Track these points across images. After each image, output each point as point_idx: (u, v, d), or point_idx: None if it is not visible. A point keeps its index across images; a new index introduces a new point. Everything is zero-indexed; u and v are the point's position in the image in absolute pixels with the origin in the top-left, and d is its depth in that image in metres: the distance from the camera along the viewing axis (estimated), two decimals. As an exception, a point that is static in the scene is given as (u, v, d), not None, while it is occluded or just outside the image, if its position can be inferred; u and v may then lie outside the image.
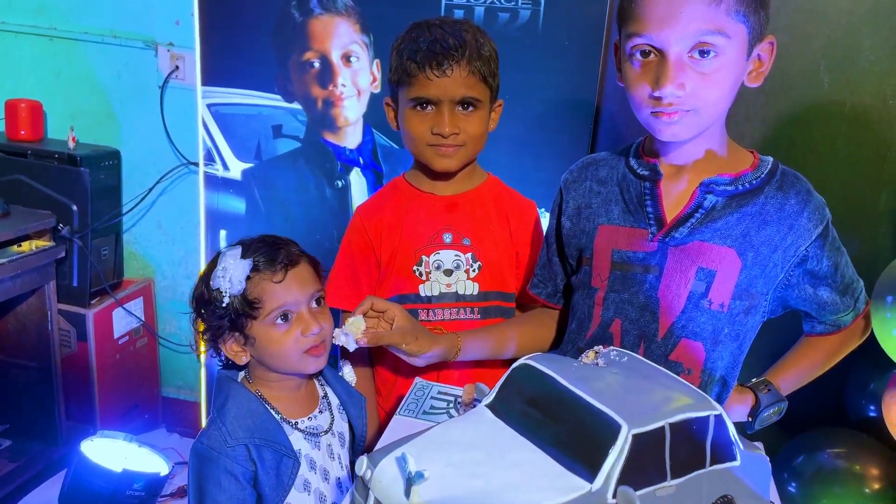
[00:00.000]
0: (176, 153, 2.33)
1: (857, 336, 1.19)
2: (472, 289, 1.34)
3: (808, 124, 1.75)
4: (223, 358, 1.15)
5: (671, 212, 1.05)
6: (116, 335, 2.36)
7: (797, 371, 1.18)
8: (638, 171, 1.09)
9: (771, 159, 1.06)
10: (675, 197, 1.05)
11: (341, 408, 1.19)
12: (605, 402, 0.73)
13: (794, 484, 1.70)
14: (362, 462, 0.76)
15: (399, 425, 0.97)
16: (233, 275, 1.07)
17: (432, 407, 1.03)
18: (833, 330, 1.15)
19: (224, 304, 1.08)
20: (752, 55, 0.99)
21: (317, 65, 1.96)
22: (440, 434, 0.78)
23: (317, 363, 1.12)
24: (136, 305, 2.44)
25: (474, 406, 1.03)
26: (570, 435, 0.73)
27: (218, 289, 1.08)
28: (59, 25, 2.34)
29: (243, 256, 1.09)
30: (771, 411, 1.14)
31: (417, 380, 1.09)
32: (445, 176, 1.33)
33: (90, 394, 2.32)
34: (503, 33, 1.81)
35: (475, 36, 1.26)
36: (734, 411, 1.11)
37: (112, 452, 1.95)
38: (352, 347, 1.12)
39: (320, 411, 1.17)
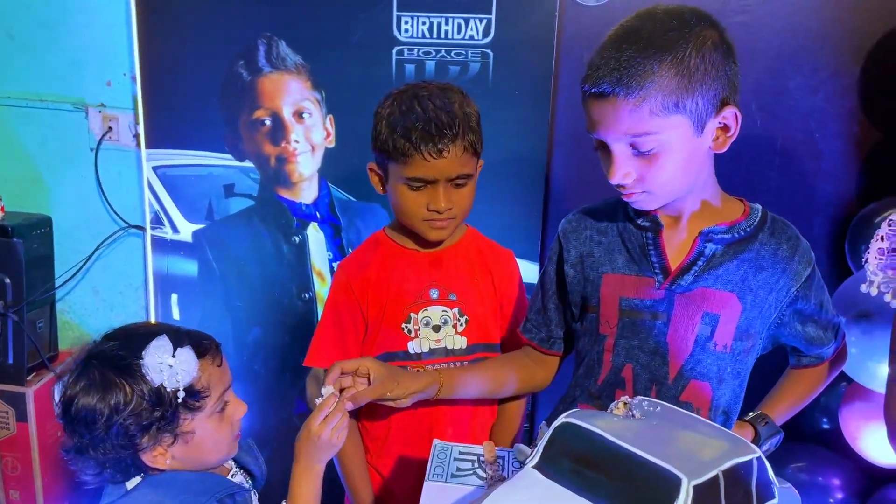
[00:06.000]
0: (113, 217, 2.25)
1: (837, 366, 1.28)
2: (460, 343, 1.36)
3: (744, 160, 1.88)
4: (117, 477, 1.03)
5: (674, 260, 1.11)
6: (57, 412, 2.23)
7: (788, 403, 1.26)
8: (638, 221, 1.14)
9: (760, 207, 1.14)
10: (676, 246, 1.11)
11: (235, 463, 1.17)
12: (659, 456, 0.76)
13: (761, 500, 1.78)
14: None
15: (432, 491, 0.97)
16: (182, 366, 0.99)
17: (458, 469, 1.03)
18: (817, 362, 1.24)
19: (160, 404, 0.98)
20: (708, 129, 1.02)
21: (268, 122, 1.95)
22: (497, 502, 0.79)
23: (237, 444, 1.11)
24: (76, 378, 2.31)
25: (499, 464, 1.06)
26: (631, 491, 0.76)
27: (161, 386, 0.98)
28: (-22, 91, 2.23)
29: (175, 346, 0.99)
30: (770, 443, 1.21)
31: (436, 442, 1.09)
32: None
33: (31, 477, 2.17)
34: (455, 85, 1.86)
35: (463, 106, 1.26)
36: None
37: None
38: None
39: (233, 475, 1.15)
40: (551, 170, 1.96)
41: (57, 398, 1.06)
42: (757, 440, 1.19)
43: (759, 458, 0.80)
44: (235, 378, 2.13)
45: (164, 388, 0.99)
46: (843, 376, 1.68)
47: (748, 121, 1.86)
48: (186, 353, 1.00)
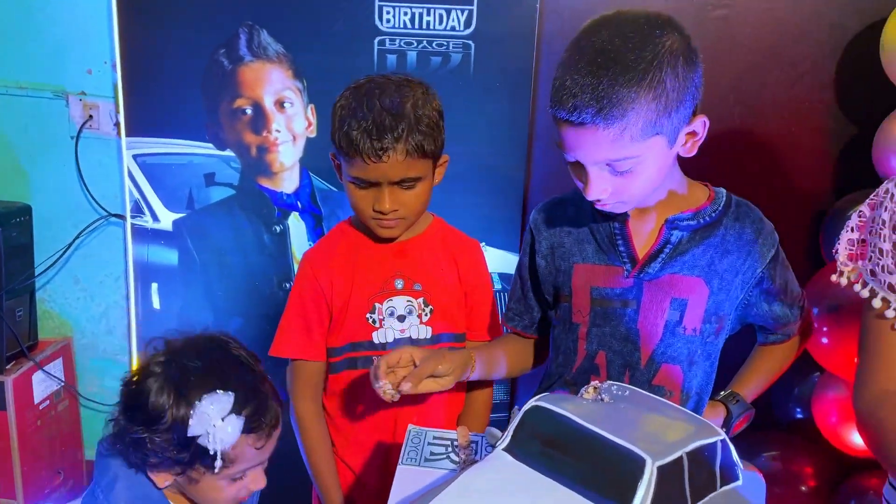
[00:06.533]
0: (93, 205, 2.24)
1: (804, 341, 1.31)
2: (425, 332, 1.36)
3: (721, 153, 1.89)
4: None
5: (642, 249, 1.12)
6: (37, 400, 2.23)
7: (757, 379, 1.28)
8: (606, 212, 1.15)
9: (724, 191, 1.16)
10: (644, 235, 1.12)
11: None
12: (625, 438, 0.77)
13: (736, 489, 1.81)
14: (395, 519, 0.77)
15: (405, 475, 0.97)
16: (222, 434, 0.99)
17: (432, 453, 1.04)
18: (784, 339, 1.26)
19: (184, 449, 1.00)
20: (680, 138, 1.03)
21: (249, 112, 1.95)
22: (467, 484, 0.80)
23: None
24: (56, 367, 2.31)
25: (472, 448, 1.07)
26: (597, 472, 0.77)
27: (195, 437, 1.00)
28: (-42, 79, 2.21)
29: (234, 411, 1.00)
30: (741, 420, 1.23)
31: (411, 427, 1.10)
32: None
33: (10, 466, 2.17)
34: (436, 76, 1.87)
35: (416, 107, 1.22)
36: None
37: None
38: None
39: None
40: (532, 161, 1.97)
41: (132, 376, 1.08)
42: (729, 418, 1.21)
43: (723, 441, 0.82)
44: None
45: (196, 440, 1.00)
46: (817, 366, 1.72)
47: (726, 113, 1.89)
48: (234, 424, 1.00)
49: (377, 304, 1.34)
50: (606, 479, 0.76)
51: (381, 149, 1.18)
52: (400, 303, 1.35)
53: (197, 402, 1.01)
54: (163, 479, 1.06)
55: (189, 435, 1.00)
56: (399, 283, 1.35)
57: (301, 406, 1.38)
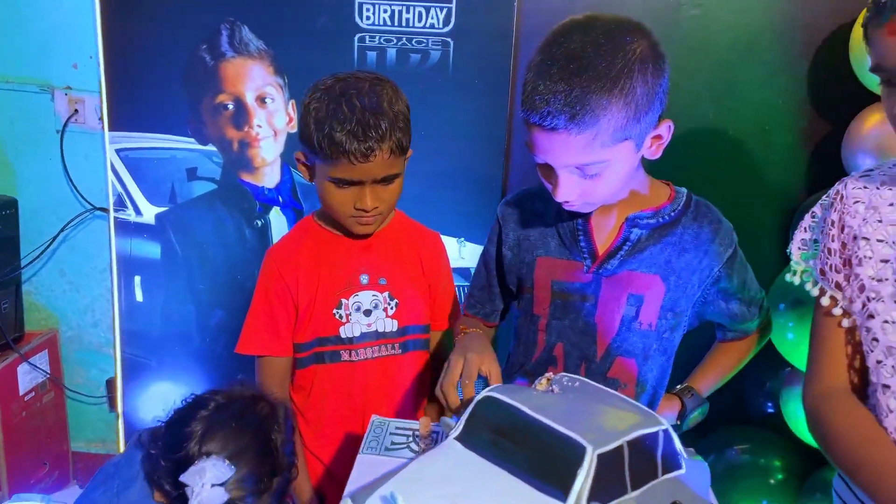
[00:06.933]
0: (78, 199, 2.26)
1: (763, 338, 1.34)
2: (391, 326, 1.38)
3: (695, 150, 1.92)
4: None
5: (602, 246, 1.15)
6: (22, 391, 2.25)
7: (714, 374, 1.32)
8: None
9: (685, 191, 1.18)
10: (605, 232, 1.15)
11: None
12: (568, 427, 0.80)
13: (707, 481, 1.84)
14: (346, 503, 0.80)
15: (364, 463, 1.00)
16: (202, 499, 1.07)
17: (393, 443, 1.07)
18: (742, 336, 1.30)
19: (174, 486, 1.09)
20: (646, 142, 1.05)
21: (231, 107, 1.97)
22: (418, 470, 0.83)
23: None
24: (42, 359, 2.33)
25: (432, 438, 1.10)
26: (541, 460, 0.80)
27: (184, 490, 1.08)
28: (-55, 72, 2.23)
29: (225, 485, 1.08)
30: (696, 413, 1.27)
31: (374, 417, 1.12)
32: None
33: (-5, 457, 2.20)
34: (415, 72, 1.89)
35: (392, 104, 1.23)
36: (664, 417, 1.22)
37: (29, 516, 1.87)
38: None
39: None
40: (510, 157, 2.00)
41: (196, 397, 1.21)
42: (683, 411, 1.25)
43: (665, 431, 0.84)
44: (198, 361, 2.17)
45: (184, 491, 1.08)
46: (787, 362, 1.75)
47: (700, 111, 1.92)
48: (217, 497, 1.08)
49: (343, 300, 1.35)
50: (549, 467, 0.79)
51: (368, 149, 1.19)
52: (366, 297, 1.36)
53: (204, 458, 1.09)
54: (158, 497, 1.13)
55: (180, 478, 1.08)
56: (364, 279, 1.37)
57: None
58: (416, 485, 0.80)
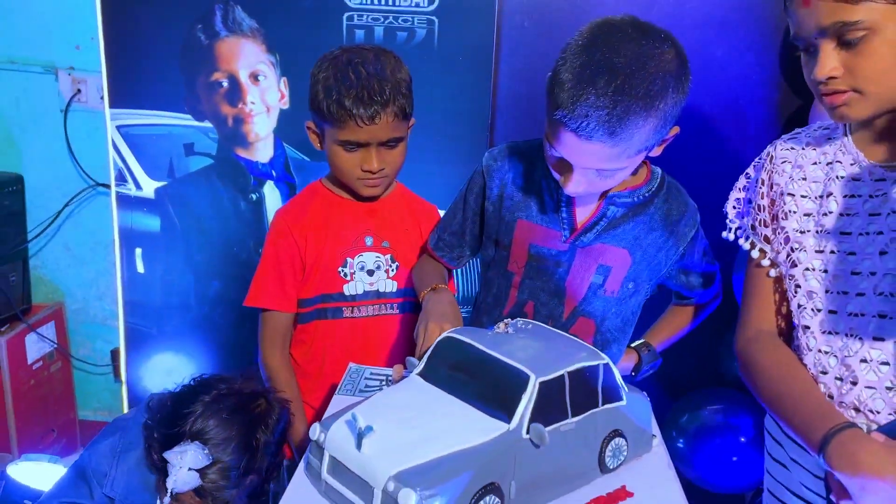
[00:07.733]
0: (82, 176, 2.35)
1: (712, 305, 1.43)
2: (391, 287, 1.47)
3: (674, 124, 1.99)
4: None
5: (581, 220, 1.22)
6: (30, 360, 2.35)
7: (667, 333, 1.43)
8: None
9: (660, 171, 1.25)
10: (587, 207, 1.22)
11: None
12: (515, 359, 0.89)
13: (681, 441, 1.92)
14: (315, 428, 0.88)
15: (339, 403, 1.08)
16: (176, 479, 1.18)
17: (367, 386, 1.16)
18: (695, 302, 1.40)
19: (160, 462, 1.20)
20: (656, 146, 1.09)
21: (225, 84, 2.05)
22: (381, 399, 0.92)
23: None
24: (49, 330, 2.43)
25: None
26: (490, 388, 0.88)
27: (166, 465, 1.19)
28: (-48, 54, 2.32)
29: (200, 472, 1.19)
30: (651, 365, 1.39)
31: (351, 364, 1.21)
32: None
33: (6, 422, 2.30)
34: (401, 50, 1.94)
35: (395, 72, 1.33)
36: (621, 368, 1.33)
37: (37, 475, 1.97)
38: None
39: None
40: (494, 132, 2.07)
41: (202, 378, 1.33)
42: (639, 364, 1.37)
43: (605, 364, 0.93)
44: (197, 329, 2.25)
45: (167, 469, 1.19)
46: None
47: (678, 86, 1.98)
48: (191, 480, 1.19)
49: (349, 259, 1.44)
50: (497, 394, 0.87)
51: (374, 112, 1.28)
52: (370, 258, 1.45)
53: (189, 441, 1.19)
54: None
55: (164, 454, 1.19)
56: (369, 241, 1.46)
57: (269, 354, 1.47)
58: (377, 411, 0.88)
